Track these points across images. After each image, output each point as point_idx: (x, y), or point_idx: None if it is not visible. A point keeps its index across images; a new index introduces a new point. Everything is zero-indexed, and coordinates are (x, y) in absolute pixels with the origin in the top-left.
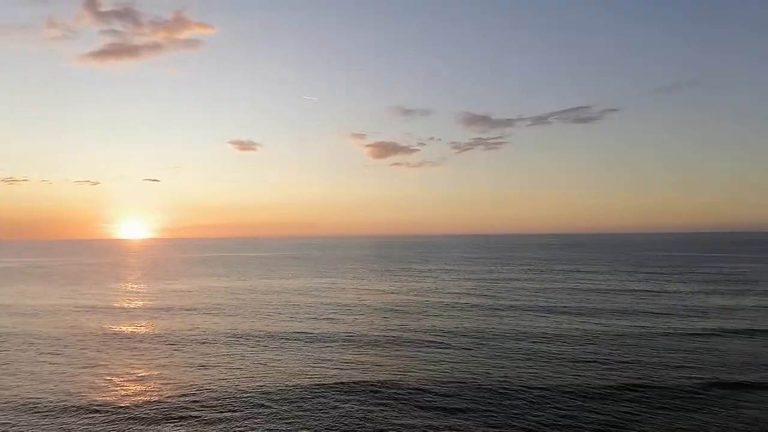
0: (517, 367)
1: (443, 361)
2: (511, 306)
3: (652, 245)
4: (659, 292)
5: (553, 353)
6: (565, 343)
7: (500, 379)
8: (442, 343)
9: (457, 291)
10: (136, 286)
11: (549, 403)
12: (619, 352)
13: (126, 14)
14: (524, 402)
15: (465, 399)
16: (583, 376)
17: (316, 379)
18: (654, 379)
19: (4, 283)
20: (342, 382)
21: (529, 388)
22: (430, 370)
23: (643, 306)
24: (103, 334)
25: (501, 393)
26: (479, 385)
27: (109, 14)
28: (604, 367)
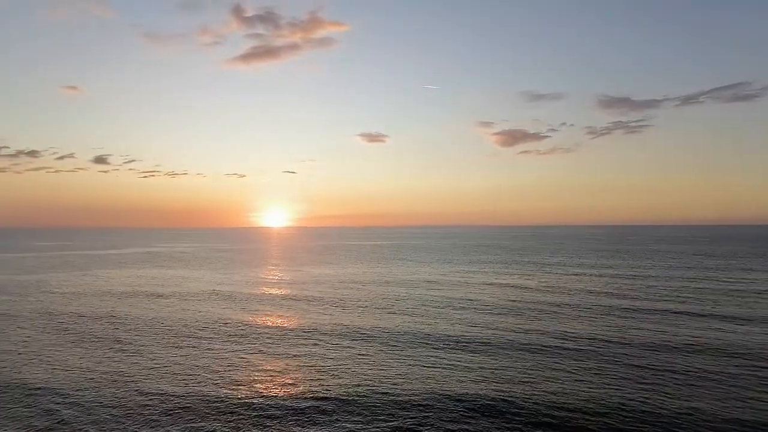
0: (669, 384)
1: (579, 371)
2: (655, 309)
3: None
4: None
5: (716, 370)
6: (730, 358)
7: (649, 399)
8: (576, 350)
9: (590, 289)
10: (268, 273)
11: None
12: None
13: (267, 18)
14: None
15: (612, 421)
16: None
17: (442, 386)
18: None
19: (156, 265)
20: (468, 392)
21: (693, 414)
22: (567, 383)
23: None
24: (230, 322)
25: (658, 419)
26: (623, 406)
27: (252, 19)
28: None
